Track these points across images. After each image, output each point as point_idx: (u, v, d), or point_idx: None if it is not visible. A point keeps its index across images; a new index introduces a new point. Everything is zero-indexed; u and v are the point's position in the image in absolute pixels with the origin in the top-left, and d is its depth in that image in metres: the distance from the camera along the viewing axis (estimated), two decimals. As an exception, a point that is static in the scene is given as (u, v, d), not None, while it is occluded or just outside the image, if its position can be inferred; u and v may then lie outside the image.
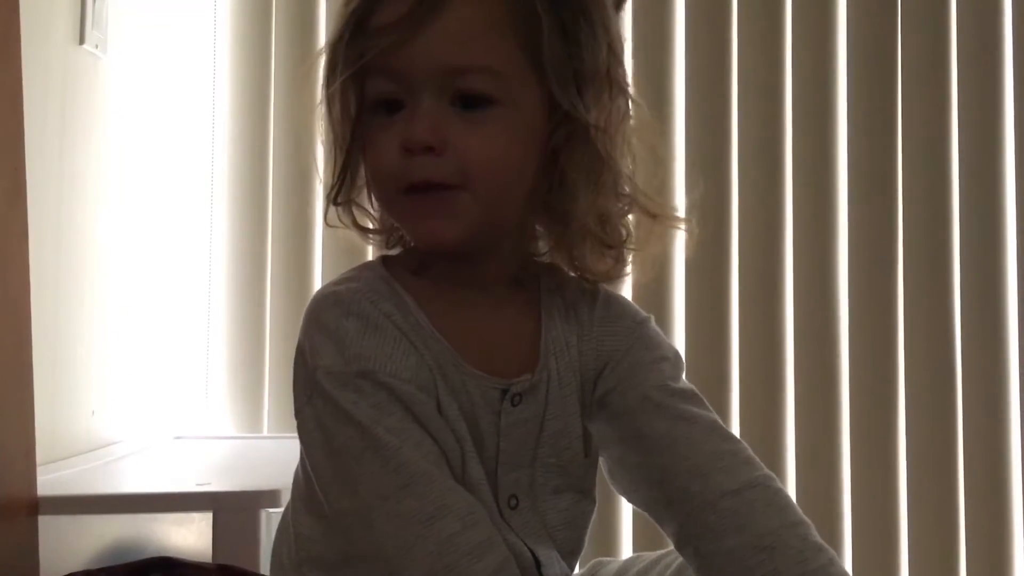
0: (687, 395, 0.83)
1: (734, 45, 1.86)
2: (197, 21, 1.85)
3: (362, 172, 0.81)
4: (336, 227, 0.83)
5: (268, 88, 1.84)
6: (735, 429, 1.78)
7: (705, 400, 0.85)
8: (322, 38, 1.85)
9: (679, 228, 0.83)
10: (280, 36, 1.85)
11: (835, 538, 1.80)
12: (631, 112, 0.80)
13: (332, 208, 0.82)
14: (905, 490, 1.84)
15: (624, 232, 0.81)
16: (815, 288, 1.86)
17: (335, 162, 0.81)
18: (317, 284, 1.83)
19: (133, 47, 1.63)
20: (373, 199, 0.82)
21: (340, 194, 0.81)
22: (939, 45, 1.88)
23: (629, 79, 0.81)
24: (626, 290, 0.90)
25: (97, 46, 1.49)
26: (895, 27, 1.87)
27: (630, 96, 0.80)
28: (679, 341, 1.82)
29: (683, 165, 1.80)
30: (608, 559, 0.94)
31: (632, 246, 0.82)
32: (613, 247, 0.81)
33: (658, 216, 0.82)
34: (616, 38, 0.79)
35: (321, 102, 0.80)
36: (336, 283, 0.79)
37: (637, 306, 0.88)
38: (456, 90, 0.74)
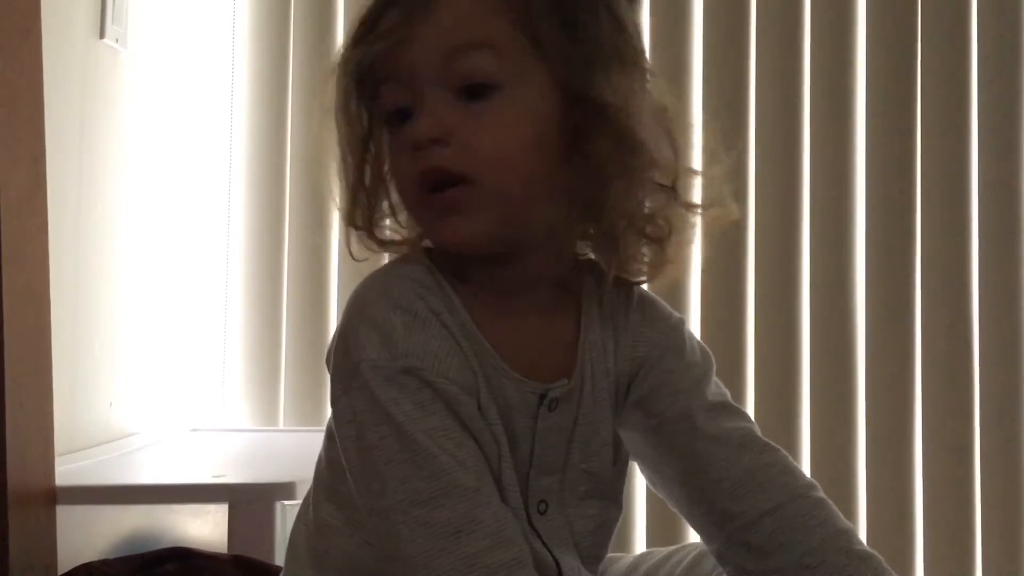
0: (719, 408, 0.83)
1: (752, 38, 1.86)
2: (216, 15, 1.85)
3: (380, 190, 0.79)
4: (361, 259, 0.80)
5: (286, 82, 1.85)
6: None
7: (738, 407, 0.84)
8: (340, 34, 1.86)
9: (730, 216, 0.80)
10: (298, 31, 1.86)
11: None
12: (652, 92, 0.77)
13: (352, 233, 0.80)
14: (920, 486, 1.84)
15: (666, 225, 0.78)
16: (832, 284, 1.85)
17: (347, 182, 0.79)
18: (334, 277, 1.83)
19: (153, 41, 1.64)
20: (396, 211, 0.80)
21: (356, 215, 0.79)
22: (958, 43, 1.86)
23: (646, 57, 0.78)
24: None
25: (117, 40, 1.50)
26: (915, 20, 1.86)
27: (646, 72, 0.77)
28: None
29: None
30: (619, 555, 0.93)
31: (672, 245, 0.78)
32: (654, 241, 0.78)
33: (701, 205, 0.79)
34: (622, 11, 0.76)
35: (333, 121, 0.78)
36: (382, 273, 0.76)
37: (670, 308, 0.86)
38: (458, 78, 0.72)
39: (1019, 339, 1.85)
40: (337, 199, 0.80)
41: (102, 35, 1.46)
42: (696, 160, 0.80)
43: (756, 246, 1.85)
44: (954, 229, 1.86)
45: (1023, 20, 1.87)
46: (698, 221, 0.80)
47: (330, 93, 0.78)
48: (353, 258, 0.81)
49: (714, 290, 1.83)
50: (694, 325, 1.82)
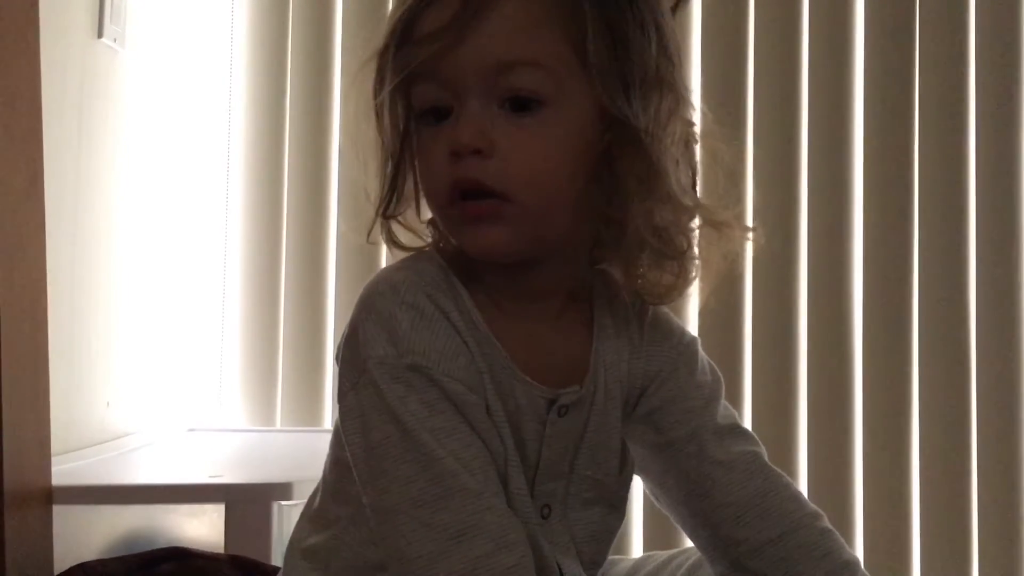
0: (727, 431, 0.83)
1: (750, 39, 1.86)
2: (214, 15, 1.85)
3: (409, 185, 0.78)
4: (376, 244, 0.80)
5: (284, 82, 1.85)
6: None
7: (746, 430, 0.84)
8: (339, 33, 1.86)
9: (745, 239, 0.81)
10: (297, 31, 1.86)
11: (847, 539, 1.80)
12: (691, 117, 0.78)
13: (378, 223, 0.79)
14: (917, 491, 1.84)
15: (684, 243, 0.78)
16: (829, 288, 1.85)
17: (384, 174, 0.78)
18: (331, 278, 1.83)
19: (151, 41, 1.63)
20: (420, 213, 0.80)
21: (389, 208, 0.79)
22: (957, 42, 1.87)
23: (688, 84, 0.78)
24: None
25: (115, 40, 1.49)
26: (913, 24, 1.87)
27: (684, 99, 0.77)
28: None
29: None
30: (619, 557, 0.93)
31: (692, 263, 0.79)
32: (671, 259, 0.78)
33: (721, 226, 0.79)
34: (670, 38, 0.76)
35: (372, 112, 0.78)
36: (394, 269, 0.76)
37: (683, 325, 0.87)
38: (504, 90, 0.72)
39: (1018, 340, 1.85)
40: (368, 191, 0.80)
41: (100, 35, 1.46)
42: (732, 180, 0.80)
43: (754, 247, 1.84)
44: (951, 231, 1.86)
45: (1022, 17, 1.87)
46: (728, 239, 0.80)
47: (366, 84, 0.77)
48: (368, 242, 0.81)
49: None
50: (691, 328, 1.82)
